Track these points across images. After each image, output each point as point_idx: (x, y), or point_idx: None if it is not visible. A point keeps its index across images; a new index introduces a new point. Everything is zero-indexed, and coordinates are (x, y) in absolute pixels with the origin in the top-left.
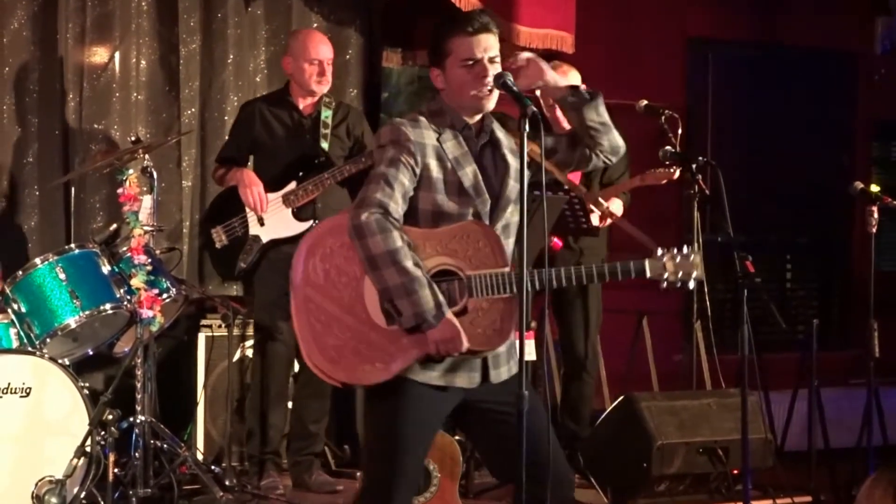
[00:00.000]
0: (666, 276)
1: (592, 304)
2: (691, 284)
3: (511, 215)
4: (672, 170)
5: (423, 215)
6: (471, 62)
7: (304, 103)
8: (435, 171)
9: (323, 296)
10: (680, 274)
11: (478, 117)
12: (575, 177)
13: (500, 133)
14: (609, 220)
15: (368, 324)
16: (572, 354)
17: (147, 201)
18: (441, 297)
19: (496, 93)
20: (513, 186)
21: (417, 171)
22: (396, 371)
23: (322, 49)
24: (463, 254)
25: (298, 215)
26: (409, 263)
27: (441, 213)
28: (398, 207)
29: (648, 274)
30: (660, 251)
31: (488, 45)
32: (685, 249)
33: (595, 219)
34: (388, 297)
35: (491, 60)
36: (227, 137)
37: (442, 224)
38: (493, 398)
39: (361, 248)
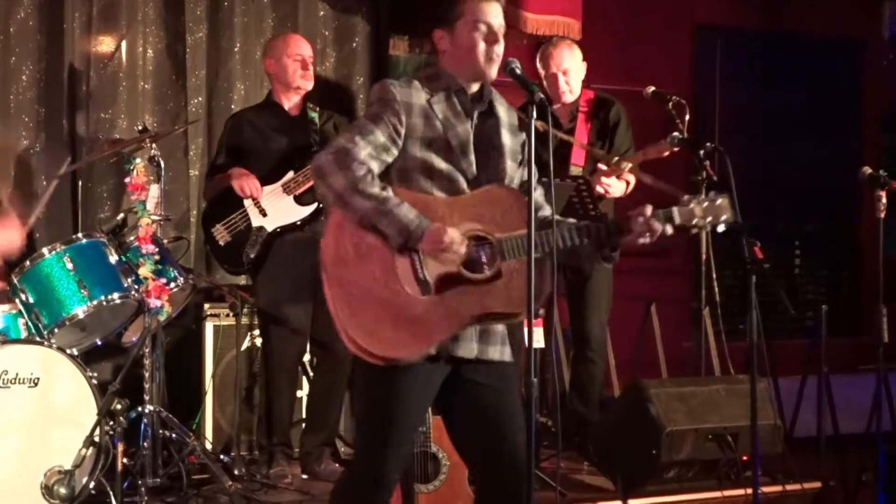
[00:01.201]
0: (695, 221)
1: (602, 284)
2: (720, 227)
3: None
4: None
5: (414, 173)
6: (484, 26)
7: (289, 104)
8: (420, 129)
9: (355, 271)
10: (709, 218)
11: (476, 86)
12: (579, 157)
13: (502, 109)
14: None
15: (403, 296)
16: (580, 335)
17: (154, 191)
18: (418, 211)
19: (499, 62)
20: (510, 167)
21: (401, 129)
22: (436, 341)
23: (302, 45)
24: (490, 217)
25: (300, 200)
26: (374, 189)
27: (431, 170)
28: (361, 152)
29: (678, 220)
30: (686, 197)
31: (498, 12)
32: (712, 194)
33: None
34: (369, 224)
35: (499, 28)
36: (216, 150)
37: (435, 181)
38: (480, 377)
39: (326, 189)
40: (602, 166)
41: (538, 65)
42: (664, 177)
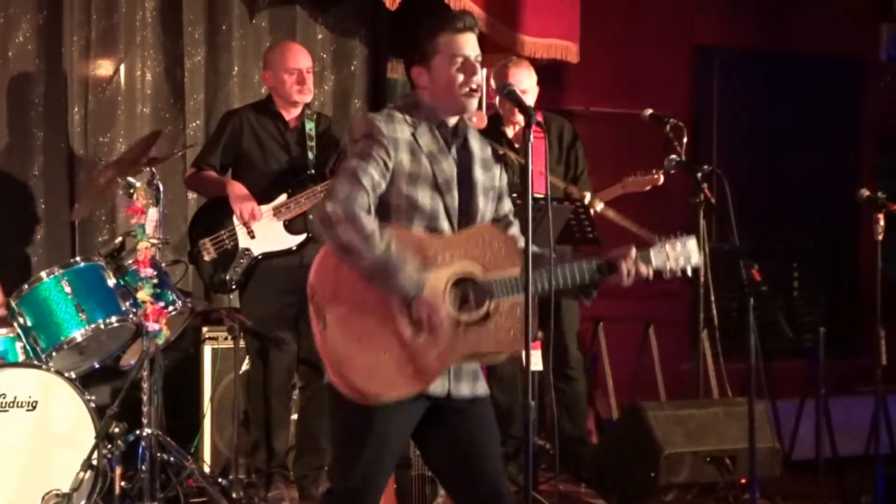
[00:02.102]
0: (668, 265)
1: (571, 303)
2: (689, 271)
3: None
4: (655, 175)
5: (395, 210)
6: (460, 60)
7: (288, 116)
8: (407, 165)
9: (353, 312)
10: (681, 261)
11: (454, 119)
12: (539, 186)
13: (475, 143)
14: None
15: (398, 336)
16: (556, 355)
17: (153, 214)
18: (419, 273)
19: (479, 94)
20: (482, 203)
21: (390, 164)
22: (432, 381)
23: (300, 58)
24: (481, 257)
25: (290, 228)
26: (381, 245)
27: (415, 207)
28: (365, 198)
29: (654, 263)
30: (658, 238)
31: (474, 43)
32: (681, 237)
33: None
34: (370, 281)
35: (476, 59)
36: (209, 142)
37: (416, 219)
38: (454, 407)
39: (331, 239)
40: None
41: (492, 82)
42: (661, 199)
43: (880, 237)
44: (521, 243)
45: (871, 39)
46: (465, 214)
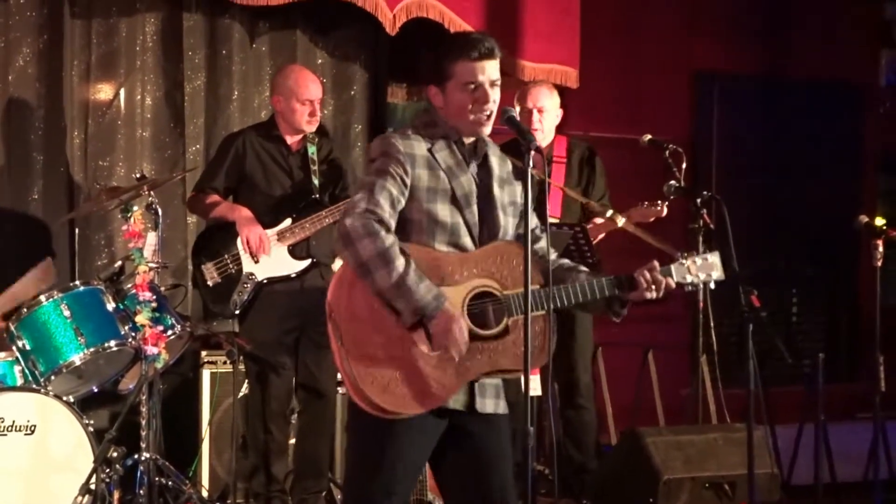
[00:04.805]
0: (689, 279)
1: (585, 331)
2: (712, 284)
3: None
4: (658, 206)
5: (416, 226)
6: (472, 86)
7: (291, 140)
8: (425, 180)
9: (370, 328)
10: (702, 276)
11: (471, 139)
12: (555, 208)
13: (495, 160)
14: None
15: (416, 353)
16: (568, 383)
17: (152, 238)
18: (438, 290)
19: (493, 119)
20: (503, 219)
21: (408, 180)
22: (448, 396)
23: (313, 89)
24: (499, 274)
25: (294, 253)
26: (399, 262)
27: (435, 222)
28: (385, 213)
29: (675, 277)
30: (681, 254)
31: (491, 70)
32: (705, 252)
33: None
34: (385, 299)
35: (492, 84)
36: (211, 165)
37: (437, 234)
38: (471, 426)
39: (351, 255)
40: (598, 220)
41: (514, 103)
42: (660, 224)
43: (879, 263)
44: (552, 257)
45: (870, 65)
46: (487, 230)
